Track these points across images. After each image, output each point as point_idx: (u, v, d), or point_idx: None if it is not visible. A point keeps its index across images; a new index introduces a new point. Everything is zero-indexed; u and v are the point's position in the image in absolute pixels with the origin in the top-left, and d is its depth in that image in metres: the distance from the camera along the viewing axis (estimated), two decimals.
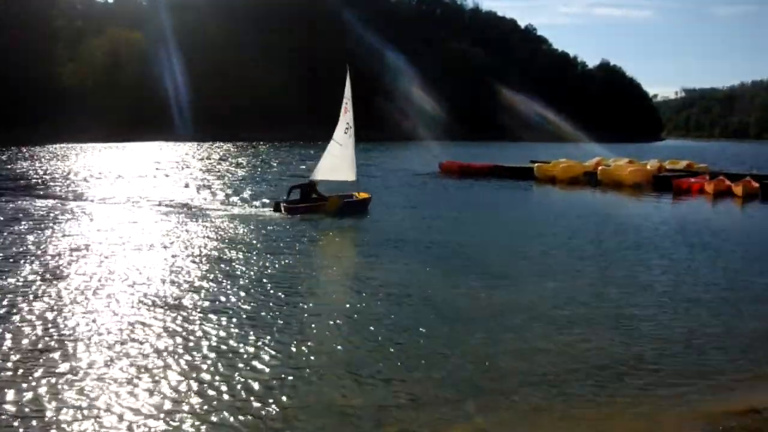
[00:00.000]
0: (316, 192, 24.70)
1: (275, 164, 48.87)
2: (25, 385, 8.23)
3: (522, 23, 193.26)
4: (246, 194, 28.84)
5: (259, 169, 43.64)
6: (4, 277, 13.30)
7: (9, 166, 41.70)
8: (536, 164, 42.92)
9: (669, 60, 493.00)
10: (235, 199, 27.27)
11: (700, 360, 9.75)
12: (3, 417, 7.51)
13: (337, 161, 24.91)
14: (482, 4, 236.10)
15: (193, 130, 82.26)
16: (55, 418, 7.49)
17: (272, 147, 74.71)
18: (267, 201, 26.10)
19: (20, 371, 8.66)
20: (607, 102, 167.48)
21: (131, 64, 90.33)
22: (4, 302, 11.60)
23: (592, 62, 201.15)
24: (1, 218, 21.03)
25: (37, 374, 8.57)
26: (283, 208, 23.55)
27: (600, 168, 40.01)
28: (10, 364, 8.87)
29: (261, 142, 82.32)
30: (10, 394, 7.99)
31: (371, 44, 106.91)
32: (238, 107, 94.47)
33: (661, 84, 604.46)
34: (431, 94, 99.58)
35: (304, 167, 41.79)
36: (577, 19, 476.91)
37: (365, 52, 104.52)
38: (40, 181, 32.97)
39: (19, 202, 25.04)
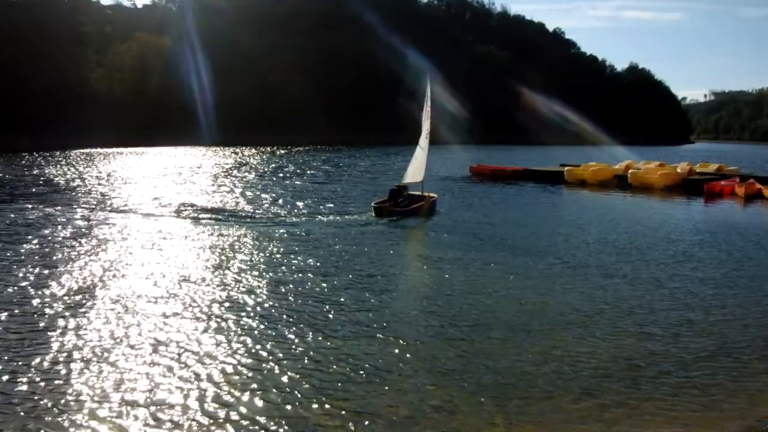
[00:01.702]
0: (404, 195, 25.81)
1: (324, 169, 49.59)
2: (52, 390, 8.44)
3: (550, 27, 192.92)
4: (322, 201, 28.47)
5: (309, 175, 43.92)
6: (41, 285, 13.35)
7: (37, 172, 42.00)
8: (566, 168, 43.02)
9: (697, 63, 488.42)
10: (313, 206, 26.78)
11: (732, 365, 9.74)
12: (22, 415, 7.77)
13: (418, 164, 26.30)
14: (510, 8, 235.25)
15: (217, 135, 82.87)
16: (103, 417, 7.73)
17: (303, 151, 75.30)
18: (353, 208, 26.39)
19: (48, 376, 8.81)
20: (637, 105, 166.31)
21: (158, 69, 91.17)
22: (42, 309, 11.78)
23: (620, 65, 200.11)
24: (39, 227, 20.86)
25: (79, 381, 8.81)
26: (386, 212, 24.32)
27: (630, 171, 40.05)
28: (35, 369, 9.03)
29: (287, 147, 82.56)
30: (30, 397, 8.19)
31: (395, 47, 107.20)
32: (261, 111, 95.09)
33: (690, 87, 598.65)
34: (455, 96, 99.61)
35: (362, 172, 42.37)
36: (606, 22, 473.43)
37: (389, 55, 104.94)
38: (85, 187, 33.09)
39: (68, 209, 24.70)
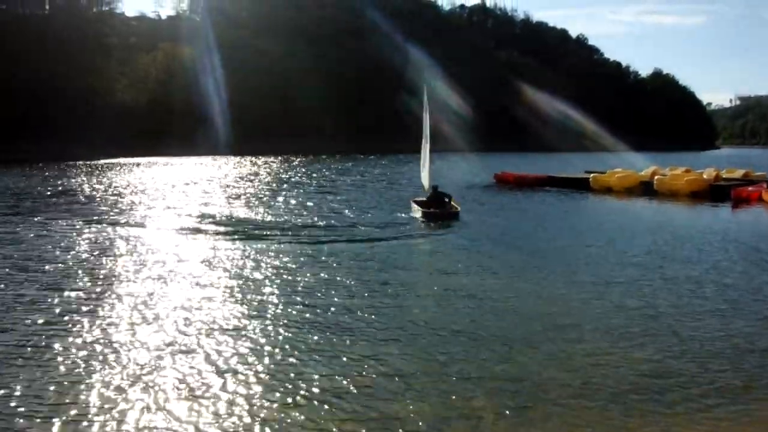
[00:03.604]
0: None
1: (351, 177, 50.19)
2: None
3: (573, 33, 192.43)
4: (353, 211, 28.45)
5: (335, 184, 44.14)
6: (64, 297, 13.36)
7: (61, 182, 42.68)
8: (592, 174, 42.89)
9: (722, 67, 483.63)
10: (345, 216, 26.66)
11: (757, 373, 9.60)
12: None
13: (427, 171, 28.40)
14: (533, 15, 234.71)
15: (238, 144, 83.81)
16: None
17: (324, 160, 75.75)
18: (378, 216, 26.71)
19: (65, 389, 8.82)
20: (661, 111, 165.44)
21: (182, 80, 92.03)
22: (60, 319, 11.82)
23: (643, 71, 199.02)
24: (66, 240, 20.87)
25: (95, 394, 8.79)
26: (441, 215, 25.54)
27: (656, 178, 39.88)
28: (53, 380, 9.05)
29: (308, 156, 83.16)
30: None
31: (415, 56, 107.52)
32: (282, 121, 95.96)
33: (715, 91, 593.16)
34: (471, 104, 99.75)
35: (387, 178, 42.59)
36: (627, 27, 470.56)
37: (408, 64, 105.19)
38: (110, 198, 33.22)
39: (100, 225, 24.02)
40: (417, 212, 26.48)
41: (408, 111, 73.04)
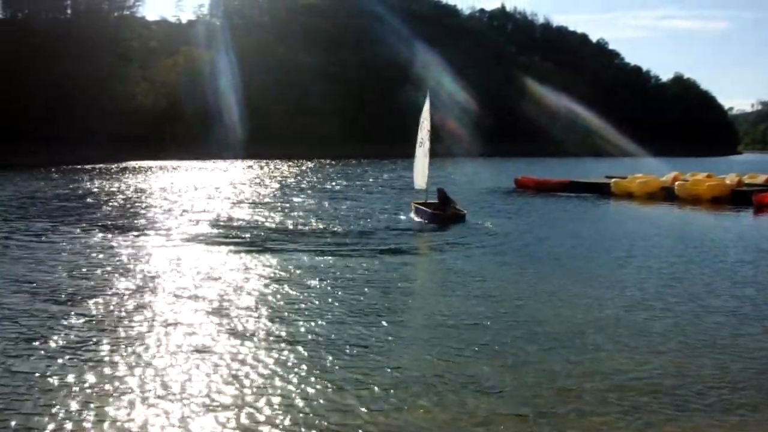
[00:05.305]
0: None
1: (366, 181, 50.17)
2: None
3: (593, 38, 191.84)
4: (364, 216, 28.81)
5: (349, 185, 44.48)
6: (81, 308, 13.25)
7: (86, 186, 43.01)
8: (613, 179, 42.64)
9: (744, 72, 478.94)
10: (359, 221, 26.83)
11: None
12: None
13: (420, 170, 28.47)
14: (553, 20, 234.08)
15: (249, 149, 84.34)
16: None
17: (342, 164, 75.85)
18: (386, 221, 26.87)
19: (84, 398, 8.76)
20: (683, 116, 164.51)
21: (202, 84, 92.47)
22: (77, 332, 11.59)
23: (665, 76, 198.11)
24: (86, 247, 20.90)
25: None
26: (448, 218, 25.45)
27: (677, 183, 39.60)
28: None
29: (327, 160, 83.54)
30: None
31: (434, 61, 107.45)
32: (300, 125, 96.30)
33: (737, 96, 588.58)
34: (489, 109, 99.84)
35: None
36: (648, 32, 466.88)
37: (427, 69, 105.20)
38: (138, 203, 33.23)
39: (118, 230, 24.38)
40: (423, 215, 26.34)
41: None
